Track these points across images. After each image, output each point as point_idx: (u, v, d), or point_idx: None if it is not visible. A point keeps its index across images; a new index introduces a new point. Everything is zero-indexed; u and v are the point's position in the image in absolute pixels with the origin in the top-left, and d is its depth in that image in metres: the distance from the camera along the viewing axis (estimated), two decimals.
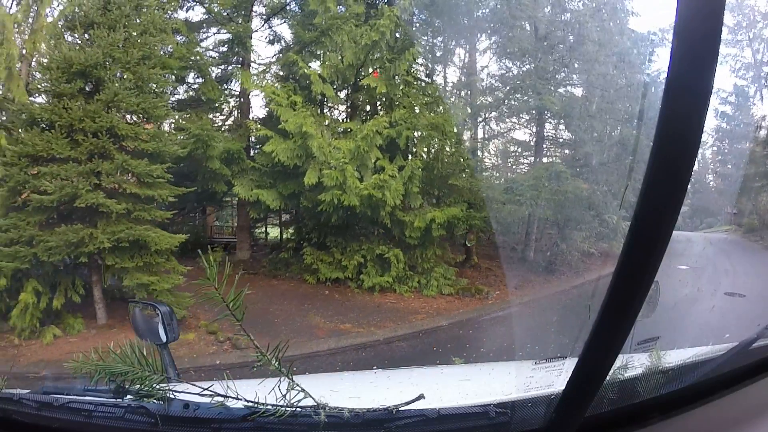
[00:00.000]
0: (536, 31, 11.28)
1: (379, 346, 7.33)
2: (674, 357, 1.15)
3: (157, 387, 0.95)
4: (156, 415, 0.92)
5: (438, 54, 12.64)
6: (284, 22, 11.75)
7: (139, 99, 7.33)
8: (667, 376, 1.05)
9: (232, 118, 12.24)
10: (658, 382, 1.03)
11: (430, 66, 12.31)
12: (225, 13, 11.08)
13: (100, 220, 6.98)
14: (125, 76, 7.31)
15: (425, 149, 10.43)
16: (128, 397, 0.98)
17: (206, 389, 0.95)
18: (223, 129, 11.50)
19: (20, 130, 7.16)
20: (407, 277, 9.58)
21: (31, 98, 7.91)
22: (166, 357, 1.45)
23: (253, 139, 11.19)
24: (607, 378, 0.83)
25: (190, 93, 11.11)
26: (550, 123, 12.04)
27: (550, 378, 1.01)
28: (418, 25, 11.80)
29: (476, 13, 11.84)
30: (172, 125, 9.17)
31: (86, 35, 7.29)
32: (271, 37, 12.30)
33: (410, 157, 9.90)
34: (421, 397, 0.99)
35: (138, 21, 7.69)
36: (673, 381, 1.06)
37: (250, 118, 11.40)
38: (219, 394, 0.94)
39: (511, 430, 0.95)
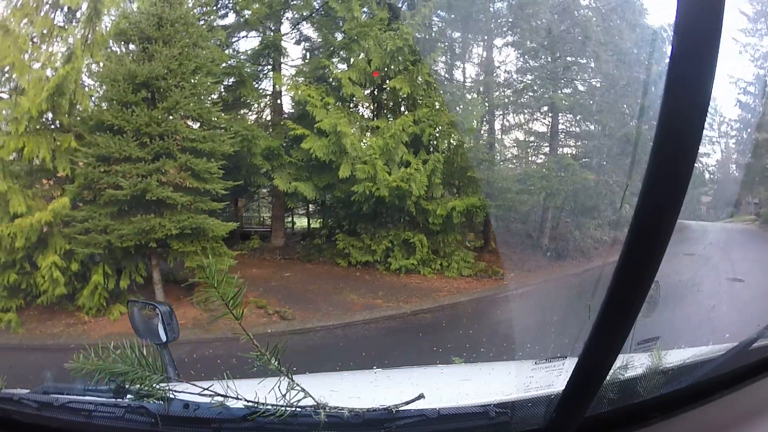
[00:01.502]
0: (549, 31, 11.47)
1: (407, 317, 8.10)
2: (674, 357, 1.10)
3: (157, 387, 0.91)
4: (156, 415, 0.89)
5: (457, 51, 13.03)
6: (313, 26, 12.34)
7: (195, 105, 8.20)
8: (667, 376, 1.00)
9: (265, 117, 13.13)
10: (658, 382, 0.98)
11: (450, 62, 12.81)
12: (258, 19, 11.79)
13: (167, 210, 7.72)
14: (182, 86, 7.99)
15: (446, 144, 11.02)
16: (128, 397, 0.94)
17: (206, 389, 0.91)
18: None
19: (90, 135, 7.81)
20: (430, 260, 10.27)
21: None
22: (166, 357, 1.38)
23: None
24: (607, 378, 0.80)
25: (229, 94, 11.52)
26: (562, 118, 12.36)
27: (550, 378, 0.97)
28: (437, 20, 12.08)
29: (492, 8, 12.20)
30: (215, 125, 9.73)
31: (144, 50, 8.03)
32: (298, 37, 12.88)
33: (433, 151, 10.47)
34: (421, 396, 0.95)
35: (186, 34, 8.36)
36: (673, 381, 1.01)
37: (283, 116, 12.10)
38: (219, 394, 0.90)
39: (511, 430, 0.91)
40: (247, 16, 11.85)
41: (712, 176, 16.85)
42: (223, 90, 11.35)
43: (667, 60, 0.54)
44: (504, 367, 1.81)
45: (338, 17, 10.72)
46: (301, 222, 15.38)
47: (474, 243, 11.31)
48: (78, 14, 8.56)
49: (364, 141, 10.20)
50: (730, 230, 14.31)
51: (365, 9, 10.54)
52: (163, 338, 1.46)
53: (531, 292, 9.00)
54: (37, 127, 7.80)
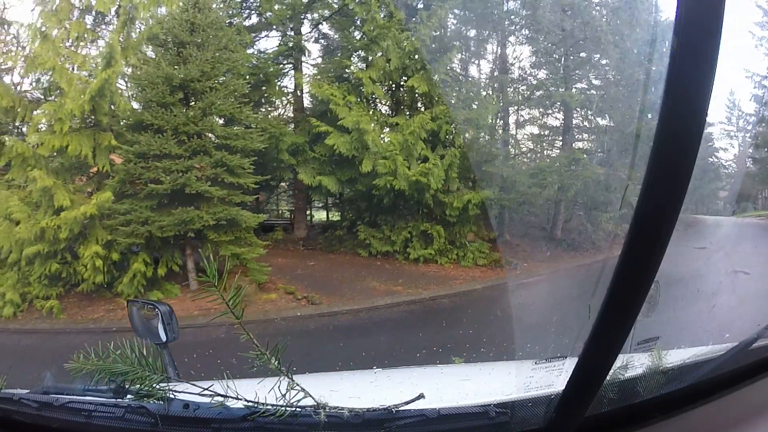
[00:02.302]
0: (562, 29, 11.64)
1: (426, 302, 8.54)
2: (674, 357, 1.07)
3: (157, 387, 0.89)
4: (156, 415, 0.86)
5: (472, 49, 13.31)
6: (332, 27, 12.72)
7: (227, 105, 8.52)
8: (667, 376, 0.98)
9: (286, 113, 13.59)
10: (658, 382, 0.95)
11: (465, 60, 13.16)
12: (280, 20, 12.18)
13: (203, 203, 8.12)
14: (215, 87, 8.35)
15: (462, 140, 11.26)
16: (128, 397, 0.91)
17: (206, 389, 0.89)
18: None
19: (131, 134, 8.22)
20: (447, 250, 10.67)
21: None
22: (166, 357, 1.36)
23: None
24: (607, 378, 0.78)
25: (254, 92, 11.77)
26: (574, 114, 12.59)
27: (550, 378, 0.94)
28: (452, 19, 12.37)
29: (505, 7, 12.49)
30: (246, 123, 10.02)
31: (179, 53, 8.42)
32: (317, 36, 13.26)
33: (449, 147, 10.79)
34: (421, 396, 0.93)
35: (217, 38, 8.77)
36: (673, 381, 0.98)
37: (305, 113, 12.49)
38: (219, 394, 0.88)
39: (511, 430, 0.89)
40: (269, 17, 12.17)
41: (728, 171, 16.56)
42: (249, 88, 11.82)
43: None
44: (504, 367, 1.77)
45: (357, 17, 11.00)
46: (319, 215, 15.89)
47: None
48: (107, 18, 9.04)
49: (384, 137, 10.54)
50: (744, 225, 14.23)
51: (383, 9, 10.80)
52: (163, 338, 1.43)
53: (542, 280, 9.41)
54: (79, 126, 8.13)
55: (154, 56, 8.95)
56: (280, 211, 16.93)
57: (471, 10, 12.10)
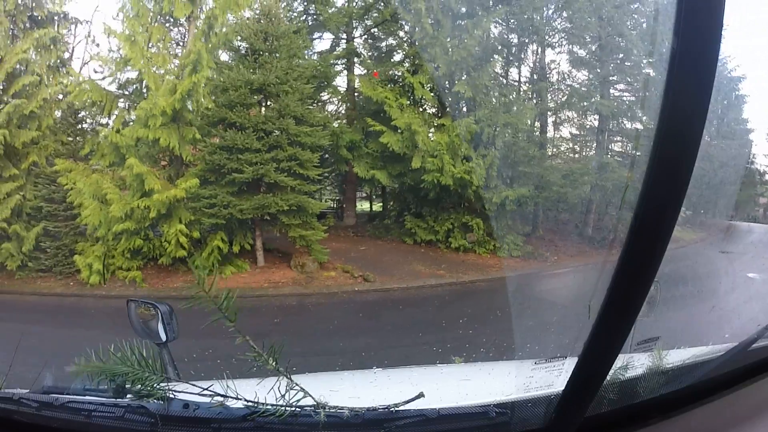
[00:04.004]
0: (599, 38, 11.98)
1: (465, 284, 9.43)
2: (674, 357, 1.03)
3: (157, 387, 0.87)
4: (156, 415, 0.84)
5: (513, 53, 13.64)
6: (384, 34, 13.42)
7: (299, 107, 9.27)
8: (667, 376, 0.94)
9: (340, 111, 14.32)
10: (658, 382, 0.92)
11: (506, 67, 13.61)
12: (337, 26, 12.96)
13: (278, 191, 9.01)
14: (288, 91, 9.12)
15: (502, 141, 11.83)
16: (128, 397, 0.88)
17: (206, 389, 0.86)
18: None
19: (216, 129, 9.24)
20: (485, 241, 11.39)
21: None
22: (166, 356, 1.31)
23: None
24: (607, 378, 0.76)
25: (315, 92, 12.30)
26: (605, 120, 12.89)
27: (550, 378, 0.91)
28: (494, 29, 12.70)
29: (545, 17, 12.89)
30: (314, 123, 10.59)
31: (255, 60, 9.26)
32: (369, 39, 13.87)
33: (490, 147, 11.28)
34: (420, 395, 0.89)
35: (287, 47, 9.64)
36: (673, 381, 0.95)
37: (360, 112, 13.09)
38: (219, 394, 0.85)
39: (511, 430, 0.86)
40: (324, 21, 12.92)
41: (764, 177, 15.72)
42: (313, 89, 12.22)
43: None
44: (504, 367, 1.72)
45: (407, 23, 11.59)
46: (361, 205, 16.70)
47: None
48: (179, 21, 9.88)
49: (431, 136, 11.21)
50: None
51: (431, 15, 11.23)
52: (163, 338, 1.37)
53: (568, 272, 10.12)
54: (168, 121, 8.94)
55: (228, 60, 10.01)
56: (324, 200, 17.99)
57: (513, 16, 12.59)
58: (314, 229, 9.48)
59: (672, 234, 0.57)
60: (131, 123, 9.29)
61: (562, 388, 0.76)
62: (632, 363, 0.93)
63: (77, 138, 9.76)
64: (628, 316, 0.63)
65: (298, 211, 9.17)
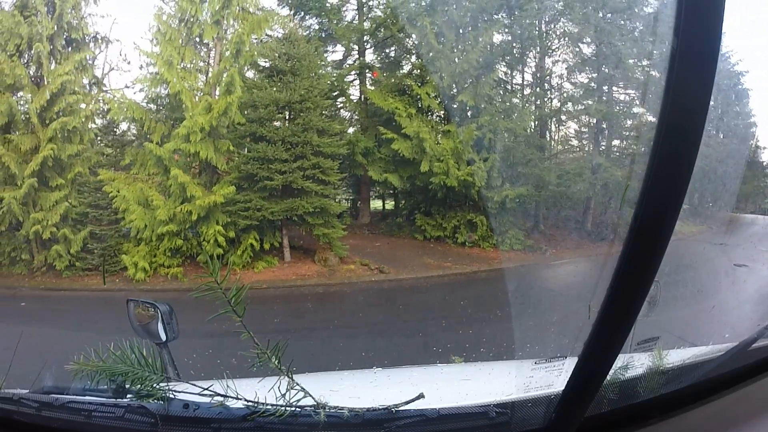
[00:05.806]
0: (598, 43, 12.39)
1: (470, 274, 10.40)
2: (674, 357, 0.99)
3: (157, 387, 0.84)
4: (156, 414, 0.81)
5: (513, 62, 14.20)
6: (394, 48, 14.14)
7: (321, 121, 10.07)
8: (667, 376, 0.90)
9: (353, 119, 14.92)
10: (658, 382, 0.88)
11: (508, 76, 14.22)
12: (350, 42, 13.80)
13: (304, 195, 9.81)
14: (310, 108, 9.83)
15: (502, 145, 12.57)
16: (128, 397, 0.85)
17: (206, 389, 0.83)
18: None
19: (248, 142, 10.16)
20: (488, 236, 12.12)
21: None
22: (165, 356, 1.27)
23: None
24: (607, 378, 0.74)
25: (331, 102, 13.02)
26: (601, 122, 13.38)
27: (550, 378, 0.88)
28: (497, 38, 13.17)
29: (543, 29, 13.51)
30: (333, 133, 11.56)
31: (280, 79, 9.93)
32: (379, 53, 14.57)
33: (491, 151, 12.07)
34: (420, 396, 0.86)
35: (308, 68, 10.46)
36: (673, 381, 0.91)
37: (373, 120, 13.77)
38: (219, 394, 0.82)
39: (511, 430, 0.83)
40: (337, 36, 13.84)
41: None
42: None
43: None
44: (504, 367, 1.66)
45: (414, 37, 12.22)
46: (374, 204, 17.52)
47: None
48: (208, 43, 10.75)
49: (438, 141, 11.95)
50: None
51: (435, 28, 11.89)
52: (163, 338, 1.32)
53: (566, 264, 10.93)
54: (205, 136, 9.69)
55: (253, 76, 10.81)
56: (339, 201, 18.75)
57: (514, 24, 13.30)
58: (335, 227, 10.27)
59: (672, 234, 0.57)
60: (168, 136, 10.13)
61: (562, 388, 0.73)
62: (632, 363, 0.90)
63: (116, 150, 10.67)
64: (628, 316, 0.62)
65: (321, 213, 10.00)
